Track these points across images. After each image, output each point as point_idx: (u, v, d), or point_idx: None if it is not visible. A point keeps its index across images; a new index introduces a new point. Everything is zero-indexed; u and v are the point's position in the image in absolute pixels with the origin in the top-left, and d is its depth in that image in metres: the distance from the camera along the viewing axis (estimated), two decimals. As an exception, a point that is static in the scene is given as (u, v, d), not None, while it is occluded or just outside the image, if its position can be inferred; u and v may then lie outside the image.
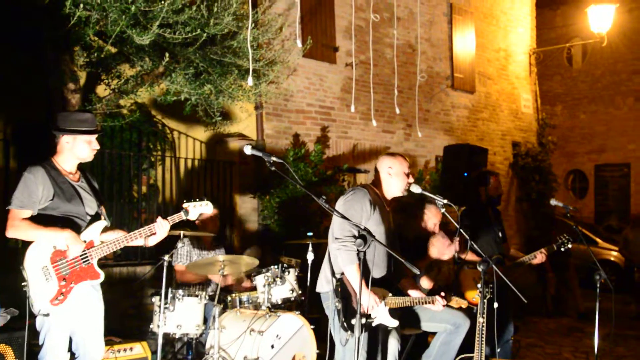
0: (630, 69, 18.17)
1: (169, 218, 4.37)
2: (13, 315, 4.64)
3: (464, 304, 4.82)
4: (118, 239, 4.22)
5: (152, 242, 4.40)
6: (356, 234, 4.25)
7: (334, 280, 4.36)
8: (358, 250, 3.70)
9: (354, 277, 4.23)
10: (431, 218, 5.98)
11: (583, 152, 19.05)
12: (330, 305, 4.40)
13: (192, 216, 4.50)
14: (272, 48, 7.25)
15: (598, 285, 5.37)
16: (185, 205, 4.50)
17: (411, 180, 4.63)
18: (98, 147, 4.33)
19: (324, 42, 10.24)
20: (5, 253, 6.60)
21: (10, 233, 4.02)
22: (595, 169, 19.01)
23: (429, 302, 4.59)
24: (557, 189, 15.87)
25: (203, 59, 6.39)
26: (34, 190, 4.04)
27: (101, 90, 6.77)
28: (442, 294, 4.64)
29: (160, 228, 4.32)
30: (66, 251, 4.05)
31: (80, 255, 4.11)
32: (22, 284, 3.95)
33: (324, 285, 4.51)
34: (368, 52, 9.88)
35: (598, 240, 14.56)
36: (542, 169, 14.89)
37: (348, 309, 4.27)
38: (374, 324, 4.41)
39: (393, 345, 4.67)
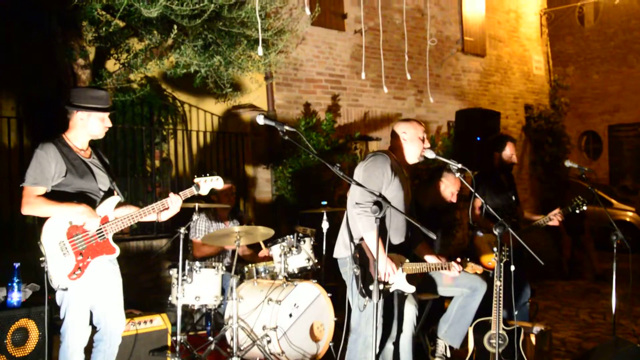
0: (644, 26, 17.88)
1: (181, 193, 4.37)
2: (35, 290, 4.69)
3: (479, 270, 4.82)
4: (131, 214, 4.24)
5: (164, 217, 4.41)
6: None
7: (352, 245, 4.35)
8: (375, 216, 3.69)
9: (373, 243, 4.23)
10: (449, 186, 5.82)
11: (596, 113, 18.85)
12: (348, 271, 4.41)
13: (204, 191, 4.50)
14: (280, 17, 7.18)
15: (615, 245, 5.36)
16: (196, 180, 4.50)
17: (427, 145, 4.59)
18: (110, 124, 4.33)
19: (332, 9, 10.15)
20: (24, 230, 6.66)
21: (26, 210, 4.04)
22: (609, 130, 18.82)
23: (445, 268, 4.60)
24: (571, 150, 15.75)
25: (211, 31, 6.35)
26: (46, 167, 4.05)
27: (111, 65, 6.75)
28: (458, 259, 4.64)
29: (173, 203, 4.33)
30: (82, 226, 4.08)
31: (96, 231, 4.13)
32: (40, 259, 3.98)
33: (342, 250, 4.50)
34: (377, 18, 9.78)
35: (613, 201, 14.48)
36: (555, 131, 14.78)
37: (366, 275, 4.28)
38: (391, 290, 4.43)
39: (411, 310, 4.69)
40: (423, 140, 4.58)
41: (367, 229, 4.24)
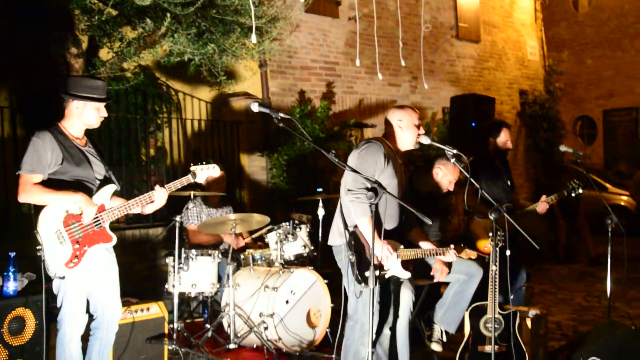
0: (638, 11, 17.84)
1: (171, 184, 4.36)
2: (30, 279, 4.69)
3: (474, 255, 4.84)
4: (125, 204, 4.25)
5: (148, 210, 4.41)
6: (369, 186, 4.25)
7: (347, 233, 4.37)
8: (370, 202, 3.70)
9: (367, 229, 4.23)
10: (447, 175, 5.74)
11: (591, 98, 18.85)
12: (344, 258, 4.42)
13: (200, 179, 4.51)
14: (273, 4, 7.14)
15: (610, 229, 5.38)
16: (192, 168, 4.51)
17: (421, 131, 4.59)
18: (106, 114, 4.32)
19: (326, -4, 10.12)
20: (19, 219, 6.66)
21: (23, 198, 4.03)
22: (603, 114, 18.83)
23: (440, 254, 4.60)
24: (566, 136, 15.79)
25: (205, 18, 6.32)
26: (42, 155, 4.04)
27: (104, 54, 6.72)
28: (452, 245, 4.64)
29: (159, 196, 4.32)
30: (79, 215, 4.08)
31: (93, 219, 4.13)
32: (37, 247, 3.98)
33: (337, 238, 4.51)
34: (371, 4, 9.75)
35: (608, 185, 14.52)
36: (550, 116, 14.81)
37: (362, 262, 4.29)
38: (386, 276, 4.44)
39: (407, 296, 4.70)
40: (418, 127, 4.58)
41: (360, 215, 4.25)
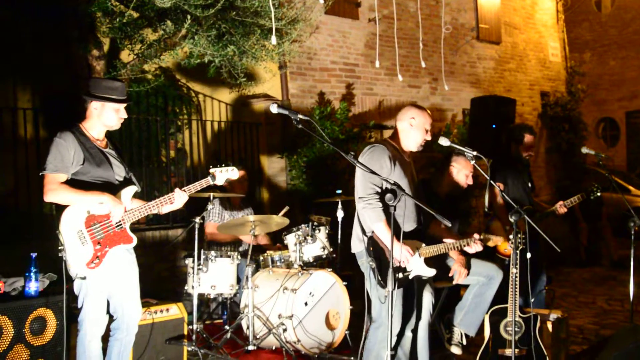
0: (662, 12, 17.64)
1: (190, 186, 4.37)
2: (51, 280, 4.73)
3: (500, 240, 4.79)
4: (145, 205, 4.27)
5: (165, 210, 4.43)
6: (379, 190, 4.24)
7: (365, 239, 4.35)
8: (389, 204, 3.68)
9: (383, 234, 4.22)
10: (461, 170, 5.67)
11: (613, 99, 18.65)
12: (365, 264, 4.41)
13: (219, 181, 4.53)
14: (293, 6, 7.16)
15: (632, 232, 5.31)
16: (212, 170, 4.53)
17: (428, 137, 4.56)
18: (125, 116, 4.35)
19: (345, -2, 10.11)
20: (41, 220, 6.72)
21: (50, 197, 4.06)
22: (626, 116, 18.62)
23: (465, 245, 4.55)
24: (588, 137, 15.62)
25: (225, 20, 6.35)
26: (65, 155, 4.07)
27: (125, 55, 6.78)
28: (476, 235, 4.59)
29: (179, 199, 4.35)
30: (100, 215, 4.11)
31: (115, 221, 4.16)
32: (59, 248, 4.01)
33: (357, 244, 4.51)
34: (391, 6, 9.73)
35: (631, 188, 14.35)
36: (571, 118, 14.66)
37: (382, 266, 4.26)
38: (410, 277, 4.41)
39: (427, 298, 4.68)
40: (427, 132, 4.54)
41: (374, 221, 4.24)
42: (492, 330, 5.01)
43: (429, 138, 4.57)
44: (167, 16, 6.13)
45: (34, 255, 4.52)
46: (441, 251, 4.53)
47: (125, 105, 4.32)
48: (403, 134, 4.59)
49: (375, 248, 4.31)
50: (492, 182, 4.60)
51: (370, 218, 4.26)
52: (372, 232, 4.32)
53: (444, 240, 4.62)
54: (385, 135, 10.58)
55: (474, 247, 4.55)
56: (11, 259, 5.12)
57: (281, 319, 5.46)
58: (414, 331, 4.68)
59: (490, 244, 4.71)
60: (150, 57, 6.42)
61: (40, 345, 4.46)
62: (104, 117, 4.27)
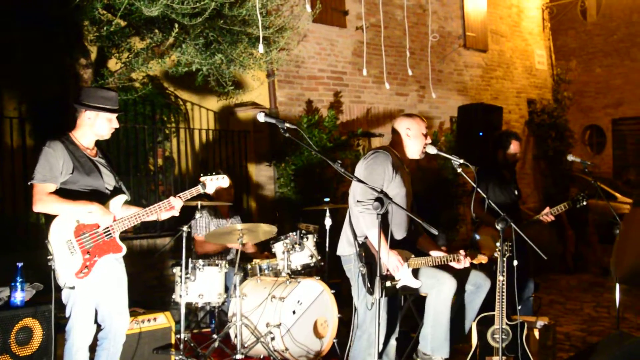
0: (646, 19, 17.77)
1: (181, 194, 4.40)
2: (38, 289, 4.70)
3: (485, 260, 4.81)
4: (137, 213, 4.27)
5: (164, 216, 4.44)
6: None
7: (357, 244, 4.35)
8: (377, 213, 3.69)
9: (377, 240, 4.23)
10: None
11: (599, 107, 18.75)
12: (353, 269, 4.41)
13: (210, 190, 4.54)
14: (281, 14, 7.17)
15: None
16: (202, 179, 4.53)
17: (428, 140, 4.59)
18: (117, 125, 4.38)
19: (333, 6, 10.14)
20: (27, 230, 6.68)
21: (38, 207, 4.05)
22: (612, 123, 18.71)
23: (452, 260, 4.57)
24: (574, 145, 15.71)
25: (212, 29, 6.35)
26: (54, 164, 4.06)
27: (112, 64, 6.76)
28: (462, 251, 4.62)
29: (177, 205, 4.38)
30: (89, 225, 4.10)
31: (103, 229, 4.15)
32: (48, 257, 3.99)
33: (346, 247, 4.50)
34: (378, 14, 9.77)
35: (617, 195, 14.41)
36: (558, 125, 14.75)
37: (372, 273, 4.27)
38: (398, 286, 4.42)
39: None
40: (425, 136, 4.57)
41: (370, 227, 4.24)
42: (479, 337, 5.02)
43: (429, 141, 4.59)
44: (154, 25, 6.13)
45: (20, 264, 4.49)
46: (429, 264, 4.53)
47: (117, 115, 4.33)
48: (403, 144, 4.61)
49: (367, 254, 4.31)
50: (478, 189, 4.62)
51: (366, 223, 4.27)
52: (365, 237, 4.33)
53: (431, 253, 4.63)
54: (374, 143, 10.65)
55: (462, 263, 4.56)
56: (-3, 268, 5.09)
57: (269, 327, 5.46)
58: (398, 339, 4.69)
59: (476, 261, 4.73)
60: (138, 65, 6.41)
61: (26, 356, 4.43)
62: (97, 127, 4.27)
